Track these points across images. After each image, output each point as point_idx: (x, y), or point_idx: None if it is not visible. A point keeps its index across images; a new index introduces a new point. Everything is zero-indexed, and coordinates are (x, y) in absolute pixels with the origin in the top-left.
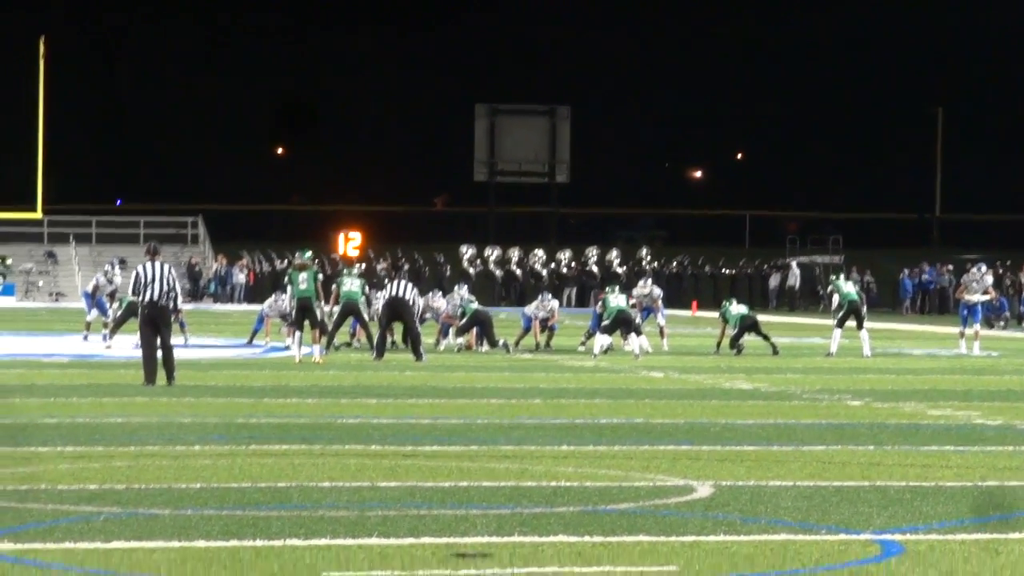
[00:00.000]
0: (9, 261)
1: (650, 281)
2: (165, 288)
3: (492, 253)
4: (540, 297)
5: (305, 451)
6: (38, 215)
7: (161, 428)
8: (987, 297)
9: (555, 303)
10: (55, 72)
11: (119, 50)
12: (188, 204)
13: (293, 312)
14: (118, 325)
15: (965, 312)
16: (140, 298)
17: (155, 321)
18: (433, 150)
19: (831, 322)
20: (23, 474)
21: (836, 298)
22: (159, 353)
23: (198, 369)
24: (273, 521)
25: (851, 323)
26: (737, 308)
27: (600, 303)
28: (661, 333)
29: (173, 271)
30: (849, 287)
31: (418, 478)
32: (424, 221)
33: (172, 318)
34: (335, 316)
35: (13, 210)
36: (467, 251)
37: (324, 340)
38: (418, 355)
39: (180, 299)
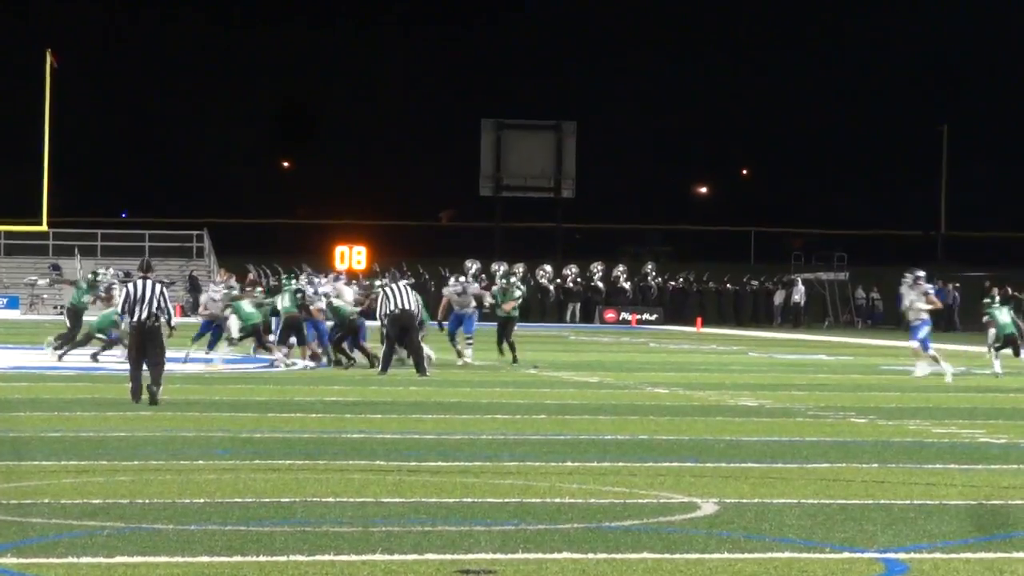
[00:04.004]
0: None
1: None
2: (154, 308)
3: (498, 268)
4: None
5: (309, 466)
6: (43, 228)
7: (165, 443)
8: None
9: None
10: (60, 85)
11: (124, 63)
12: (193, 217)
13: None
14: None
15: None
16: (129, 318)
17: (144, 342)
18: (439, 165)
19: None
20: (26, 488)
21: (992, 331)
22: (145, 371)
23: (202, 383)
24: (277, 537)
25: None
26: (1003, 316)
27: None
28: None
29: (164, 290)
30: (1005, 316)
31: (422, 494)
32: (430, 236)
33: (163, 337)
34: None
35: (19, 223)
36: (472, 266)
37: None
38: (421, 370)
39: (172, 318)
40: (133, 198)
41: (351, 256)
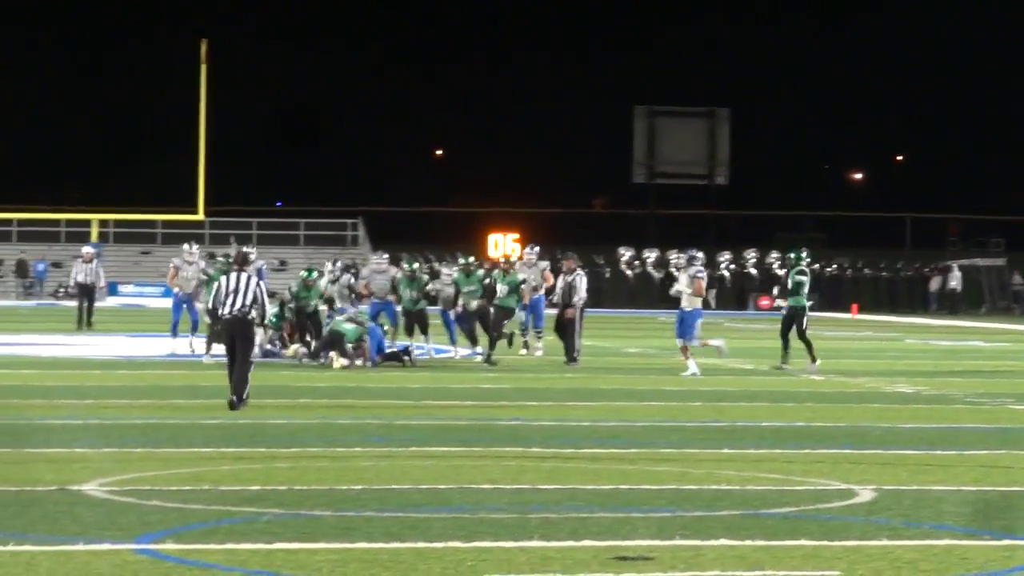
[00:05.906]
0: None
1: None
2: (247, 301)
3: (650, 256)
4: None
5: (465, 453)
6: (200, 216)
7: (322, 430)
8: None
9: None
10: (216, 74)
11: (280, 52)
12: (348, 205)
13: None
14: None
15: None
16: (219, 312)
17: (232, 337)
18: (592, 152)
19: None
20: (185, 475)
21: None
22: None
23: (357, 371)
24: (434, 523)
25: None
26: None
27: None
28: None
29: (261, 284)
30: None
31: (578, 481)
32: (583, 222)
33: (255, 333)
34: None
35: (176, 212)
36: (625, 253)
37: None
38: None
39: (267, 315)
40: (289, 186)
41: (505, 243)
